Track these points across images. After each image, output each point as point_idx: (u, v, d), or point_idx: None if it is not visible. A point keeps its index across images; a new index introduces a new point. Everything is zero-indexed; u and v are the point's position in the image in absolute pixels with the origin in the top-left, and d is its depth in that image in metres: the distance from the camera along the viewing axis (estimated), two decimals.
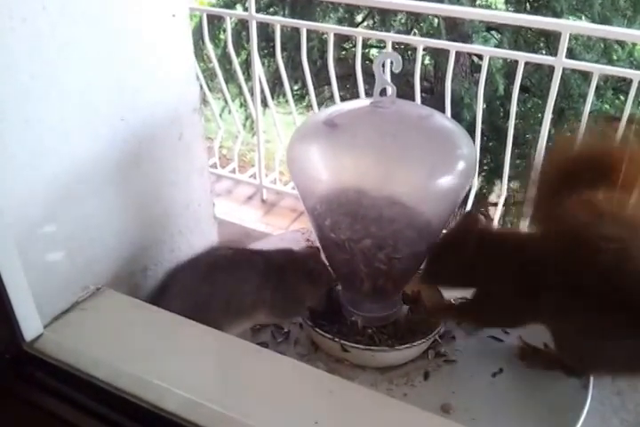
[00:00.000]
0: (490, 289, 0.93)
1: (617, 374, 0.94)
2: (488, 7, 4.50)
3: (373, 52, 4.84)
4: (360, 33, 2.90)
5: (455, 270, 0.93)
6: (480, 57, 3.09)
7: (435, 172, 0.89)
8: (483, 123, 2.63)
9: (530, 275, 0.87)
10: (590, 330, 0.86)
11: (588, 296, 0.83)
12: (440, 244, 0.97)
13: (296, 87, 4.45)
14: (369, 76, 2.69)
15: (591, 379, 0.93)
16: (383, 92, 0.91)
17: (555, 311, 0.88)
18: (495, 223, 1.00)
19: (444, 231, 0.96)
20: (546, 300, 0.87)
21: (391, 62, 0.91)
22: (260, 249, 1.01)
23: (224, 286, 0.93)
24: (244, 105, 4.25)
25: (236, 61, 2.96)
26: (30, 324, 0.78)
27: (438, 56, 4.17)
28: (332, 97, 2.96)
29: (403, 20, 4.41)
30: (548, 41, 4.06)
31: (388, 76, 1.00)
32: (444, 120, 0.97)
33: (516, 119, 2.50)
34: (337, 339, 0.95)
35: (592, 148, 0.92)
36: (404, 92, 2.90)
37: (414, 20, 4.33)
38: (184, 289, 0.93)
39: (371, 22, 4.69)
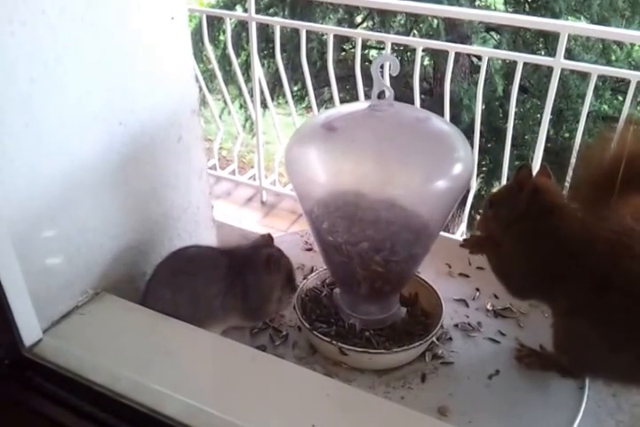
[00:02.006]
0: (523, 249, 0.92)
1: (612, 381, 0.94)
2: (487, 8, 4.50)
3: (373, 53, 4.84)
4: (359, 34, 2.91)
5: (506, 221, 0.93)
6: (479, 58, 3.10)
7: (432, 174, 0.90)
8: (482, 124, 2.63)
9: (562, 254, 0.87)
10: (595, 336, 0.86)
11: (611, 302, 0.83)
12: (498, 192, 0.98)
13: (296, 88, 4.45)
14: (368, 78, 2.68)
15: (587, 381, 0.94)
16: (382, 94, 0.92)
17: (566, 305, 0.88)
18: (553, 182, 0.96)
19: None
20: (568, 291, 0.87)
21: (389, 65, 0.91)
22: (219, 248, 1.02)
23: (187, 292, 0.93)
24: (243, 106, 4.25)
25: (235, 63, 2.97)
26: (29, 329, 0.78)
27: (438, 57, 4.17)
28: (331, 98, 2.96)
29: (402, 21, 4.41)
30: (547, 42, 4.06)
31: (386, 79, 1.00)
32: (442, 123, 0.97)
33: (514, 120, 2.51)
34: (335, 342, 0.96)
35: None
36: (404, 93, 2.90)
37: (414, 21, 4.33)
38: (154, 296, 0.93)
39: (370, 23, 4.69)
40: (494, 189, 0.89)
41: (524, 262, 0.93)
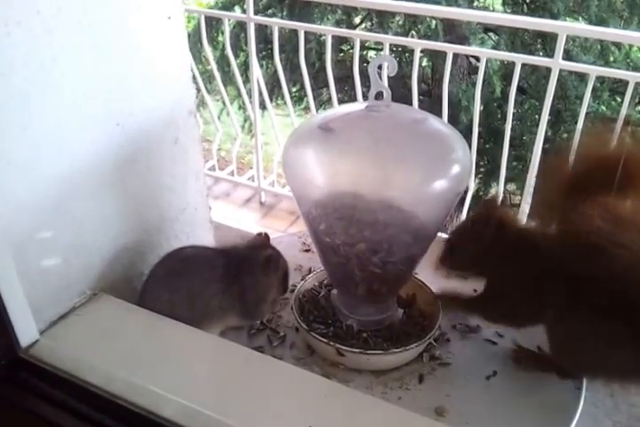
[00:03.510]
0: (499, 281, 0.93)
1: (611, 380, 0.94)
2: (486, 9, 4.50)
3: (371, 53, 4.84)
4: (358, 35, 2.92)
5: (471, 256, 0.95)
6: (477, 59, 3.10)
7: (429, 175, 0.90)
8: (480, 125, 2.63)
9: (540, 273, 0.88)
10: (590, 336, 0.86)
11: (593, 302, 0.84)
12: (459, 228, 0.98)
13: (294, 89, 4.45)
14: (367, 79, 2.68)
15: (584, 381, 0.94)
16: (380, 95, 0.92)
17: (558, 313, 0.89)
18: (515, 212, 0.99)
19: (465, 218, 0.95)
20: (551, 300, 0.88)
21: (387, 66, 0.91)
22: (215, 248, 1.02)
23: (184, 292, 0.93)
24: (242, 107, 4.25)
25: (234, 63, 2.97)
26: (26, 330, 0.78)
27: (436, 58, 4.16)
28: (330, 99, 2.96)
29: (400, 22, 4.41)
30: (546, 42, 4.05)
31: (385, 80, 0.99)
32: (439, 124, 0.97)
33: (513, 121, 2.51)
34: (332, 343, 0.96)
35: (611, 150, 0.90)
36: (402, 94, 2.90)
37: (412, 22, 4.33)
38: (151, 296, 0.93)
39: (369, 24, 4.68)
40: (450, 231, 0.93)
41: (507, 292, 0.94)
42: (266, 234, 1.03)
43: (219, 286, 0.94)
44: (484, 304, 0.99)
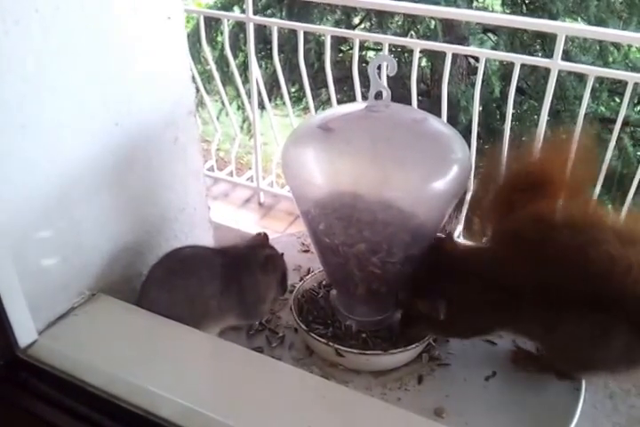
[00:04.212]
0: (460, 304, 0.93)
1: (608, 372, 0.95)
2: (485, 9, 4.50)
3: (370, 54, 4.84)
4: (357, 35, 2.92)
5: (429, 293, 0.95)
6: (477, 59, 3.10)
7: (429, 176, 0.89)
8: (479, 125, 2.63)
9: (497, 290, 0.89)
10: (582, 334, 0.86)
11: (559, 302, 0.85)
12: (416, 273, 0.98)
13: (293, 90, 4.44)
14: (366, 79, 2.66)
15: (583, 382, 0.93)
16: (379, 95, 0.91)
17: (533, 323, 0.90)
18: (458, 241, 1.01)
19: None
20: (524, 314, 0.89)
21: (387, 65, 0.91)
22: (214, 248, 1.01)
23: (183, 292, 0.92)
24: (241, 107, 4.24)
25: (233, 64, 2.97)
26: (24, 330, 0.78)
27: (435, 58, 4.16)
28: (329, 100, 2.96)
29: (400, 23, 4.40)
30: (545, 43, 4.05)
31: (384, 80, 0.99)
32: (439, 124, 0.97)
33: (512, 121, 2.51)
34: (331, 343, 0.96)
35: (522, 164, 0.96)
36: (401, 94, 2.90)
37: (411, 23, 4.32)
38: (150, 297, 0.93)
39: (368, 24, 4.67)
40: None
41: (466, 312, 0.94)
42: (265, 234, 1.03)
43: (217, 286, 0.94)
44: (448, 327, 0.98)
